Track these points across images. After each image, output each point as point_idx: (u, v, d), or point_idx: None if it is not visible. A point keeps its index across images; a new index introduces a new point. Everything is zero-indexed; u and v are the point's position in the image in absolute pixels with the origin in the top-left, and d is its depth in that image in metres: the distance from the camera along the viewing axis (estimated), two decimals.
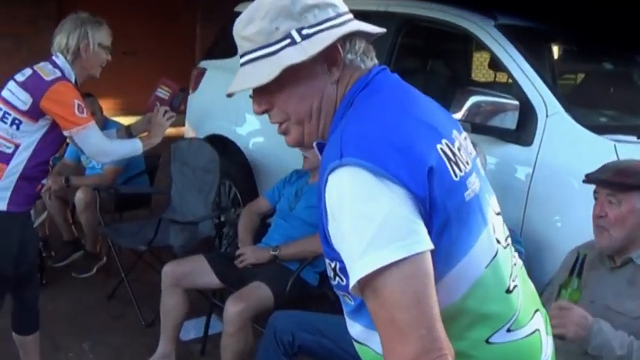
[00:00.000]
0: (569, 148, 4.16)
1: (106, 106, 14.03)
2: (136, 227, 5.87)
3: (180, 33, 14.47)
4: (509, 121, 4.23)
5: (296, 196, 4.73)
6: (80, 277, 6.25)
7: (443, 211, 1.65)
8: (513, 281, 1.86)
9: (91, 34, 3.93)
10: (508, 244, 1.94)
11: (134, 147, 4.21)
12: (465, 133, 1.94)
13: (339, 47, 1.83)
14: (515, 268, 1.93)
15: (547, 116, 4.26)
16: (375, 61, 1.91)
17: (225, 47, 6.87)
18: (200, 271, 4.57)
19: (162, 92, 4.52)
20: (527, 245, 3.91)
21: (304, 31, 1.80)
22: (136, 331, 5.31)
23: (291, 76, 1.79)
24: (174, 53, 13.68)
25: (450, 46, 6.04)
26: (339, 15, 1.85)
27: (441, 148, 1.70)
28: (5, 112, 3.76)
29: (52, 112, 3.74)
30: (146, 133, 4.49)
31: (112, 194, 6.13)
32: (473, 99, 4.26)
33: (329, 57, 1.81)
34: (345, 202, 1.61)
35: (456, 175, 1.71)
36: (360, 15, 5.28)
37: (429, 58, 6.25)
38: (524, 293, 1.93)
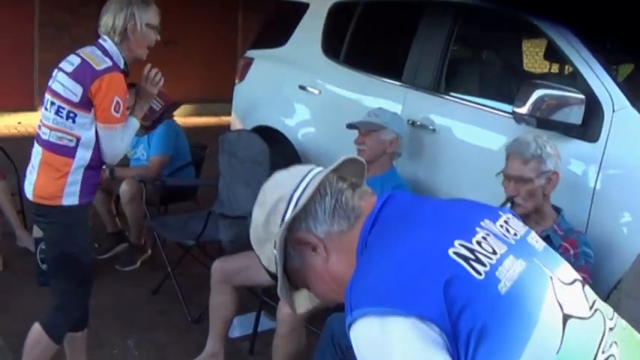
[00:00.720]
0: (637, 145, 4.02)
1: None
2: (183, 221, 5.81)
3: (222, 22, 14.44)
4: (574, 115, 4.09)
5: None
6: (124, 271, 6.22)
7: (473, 318, 1.57)
8: (604, 352, 1.71)
9: (137, 14, 3.80)
10: (596, 310, 1.80)
11: (135, 128, 4.01)
12: (505, 215, 1.89)
13: (302, 235, 1.90)
14: (612, 334, 1.77)
15: (614, 111, 4.13)
16: (367, 196, 1.94)
17: (272, 36, 6.83)
18: (251, 268, 4.46)
19: (155, 103, 4.34)
20: (594, 246, 3.78)
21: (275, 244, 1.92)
22: (182, 327, 5.26)
23: (293, 273, 1.98)
24: (216, 42, 13.66)
25: (503, 35, 5.91)
26: (290, 199, 1.93)
27: (455, 252, 1.65)
28: (59, 106, 3.71)
29: (94, 102, 3.69)
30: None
31: (158, 186, 6.07)
32: (537, 92, 4.13)
33: (301, 246, 1.92)
34: None
35: (479, 273, 1.63)
36: (412, 4, 5.20)
37: (484, 47, 6.13)
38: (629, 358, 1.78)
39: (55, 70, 3.83)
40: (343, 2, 6.24)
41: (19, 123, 12.88)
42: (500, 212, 1.89)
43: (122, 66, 3.80)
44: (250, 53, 7.10)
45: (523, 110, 4.13)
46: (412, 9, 5.52)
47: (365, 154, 4.58)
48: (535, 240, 1.86)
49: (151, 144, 6.35)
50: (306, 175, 1.95)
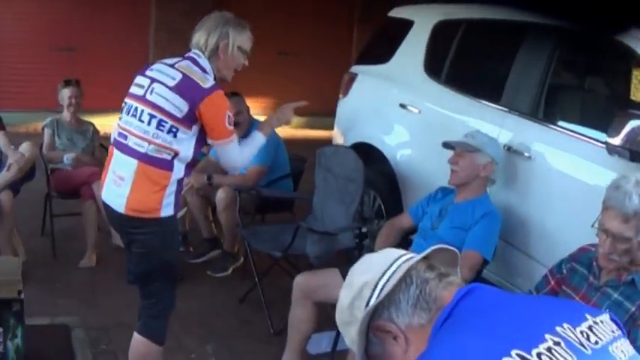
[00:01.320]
0: None
1: (259, 105, 14.32)
2: (275, 231, 5.86)
3: (337, 35, 14.52)
4: None
5: (440, 215, 4.58)
6: (215, 276, 6.31)
7: None
8: None
9: (232, 35, 3.88)
10: None
11: (259, 144, 4.18)
12: (593, 319, 1.78)
13: (384, 323, 1.87)
14: None
15: None
16: (452, 286, 1.87)
17: (377, 53, 6.82)
18: (333, 286, 4.42)
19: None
20: None
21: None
22: (263, 338, 5.31)
23: (373, 358, 1.94)
24: (329, 55, 13.72)
25: (608, 62, 5.73)
26: (375, 286, 1.90)
27: None
28: (161, 120, 3.70)
29: (204, 120, 3.73)
30: None
31: (254, 196, 6.12)
32: (632, 123, 3.96)
33: (382, 334, 1.89)
34: None
35: None
36: (514, 26, 5.09)
37: (587, 74, 5.96)
38: None
39: (146, 79, 3.85)
40: (447, 21, 6.20)
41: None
42: (587, 315, 1.79)
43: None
44: (355, 68, 7.12)
45: (616, 141, 3.99)
46: (514, 30, 5.44)
47: (457, 175, 4.54)
48: (621, 349, 1.75)
49: None
50: (395, 261, 1.91)
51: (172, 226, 3.89)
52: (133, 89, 3.90)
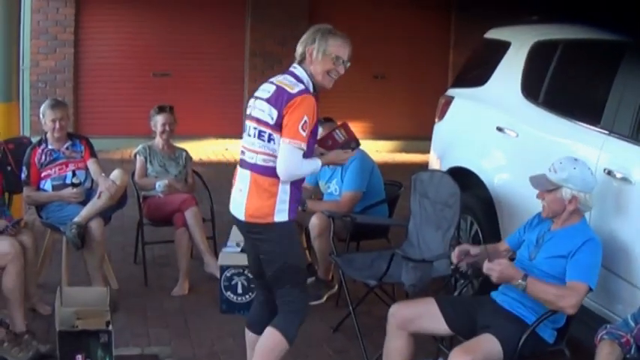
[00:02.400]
0: None
1: (355, 129, 14.23)
2: (369, 259, 5.82)
3: (433, 58, 14.42)
4: None
5: (537, 244, 4.43)
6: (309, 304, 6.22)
7: None
8: None
9: (318, 40, 4.24)
10: None
11: (316, 168, 4.37)
12: None
13: None
14: None
15: None
16: None
17: (473, 75, 6.73)
18: (429, 316, 4.41)
19: (339, 135, 4.53)
20: None
21: None
22: None
23: None
24: (425, 78, 13.67)
25: None
26: None
27: None
28: (260, 131, 4.21)
29: (283, 120, 4.14)
30: None
31: (347, 222, 6.05)
32: None
33: None
34: None
35: None
36: (613, 46, 4.88)
37: None
38: None
39: (252, 99, 4.33)
40: (544, 41, 6.08)
41: (226, 149, 13.34)
42: None
43: (311, 89, 4.26)
44: (451, 92, 7.06)
45: None
46: (612, 50, 5.28)
47: (546, 209, 4.42)
48: None
49: (344, 179, 6.38)
50: None
51: (287, 230, 4.29)
52: (247, 110, 4.42)
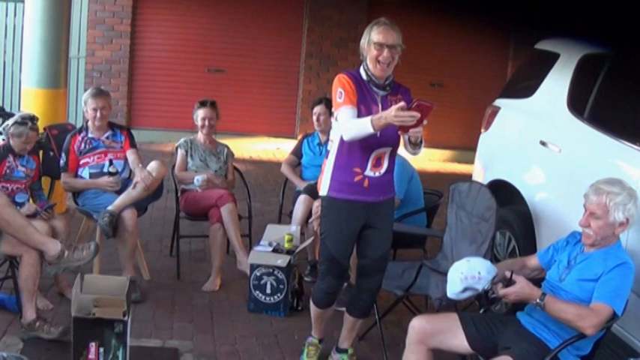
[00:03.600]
0: None
1: None
2: (401, 268, 5.73)
3: (491, 68, 14.23)
4: None
5: (568, 265, 4.27)
6: (338, 310, 6.12)
7: None
8: None
9: (367, 32, 4.71)
10: None
11: (362, 126, 4.50)
12: None
13: None
14: None
15: None
16: None
17: (521, 86, 6.59)
18: (450, 332, 4.30)
19: (426, 102, 4.34)
20: None
21: None
22: None
23: None
24: (482, 89, 13.44)
25: None
26: None
27: None
28: None
29: None
30: None
31: None
32: None
33: None
34: None
35: None
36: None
37: None
38: None
39: None
40: (593, 54, 5.91)
41: (277, 149, 13.31)
42: None
43: (357, 76, 4.74)
44: (498, 102, 6.93)
45: None
46: None
47: (590, 238, 4.20)
48: None
49: None
50: None
51: (331, 205, 4.82)
52: None
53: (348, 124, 4.57)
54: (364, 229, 4.86)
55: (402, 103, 4.29)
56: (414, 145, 4.62)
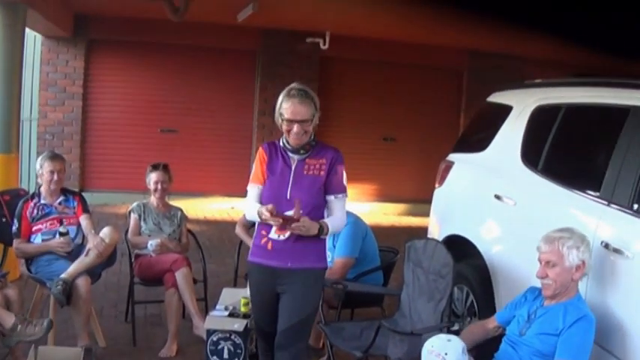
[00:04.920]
0: None
1: (363, 191, 14.21)
2: (359, 329, 5.64)
3: (442, 123, 14.39)
4: None
5: (528, 319, 4.27)
6: None
7: None
8: None
9: (279, 101, 4.67)
10: None
11: (255, 215, 4.67)
12: None
13: None
14: None
15: None
16: None
17: (474, 140, 6.59)
18: None
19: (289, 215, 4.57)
20: None
21: None
22: None
23: None
24: (435, 142, 13.58)
25: None
26: None
27: None
28: None
29: None
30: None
31: (340, 290, 5.87)
32: None
33: None
34: None
35: None
36: (617, 110, 4.66)
37: None
38: None
39: None
40: (545, 106, 5.88)
41: (232, 208, 13.27)
42: None
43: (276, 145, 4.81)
44: (451, 157, 6.91)
45: None
46: (613, 115, 5.05)
47: (550, 288, 4.23)
48: None
49: (335, 245, 6.22)
50: None
51: (248, 268, 4.98)
52: None
53: (247, 204, 4.78)
54: (278, 297, 4.75)
55: (270, 207, 4.47)
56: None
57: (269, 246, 4.67)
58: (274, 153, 4.77)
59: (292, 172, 4.70)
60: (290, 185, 4.68)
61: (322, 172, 4.72)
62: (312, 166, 4.72)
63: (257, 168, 4.76)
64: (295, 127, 4.58)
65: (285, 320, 4.67)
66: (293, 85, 4.68)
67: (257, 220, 4.65)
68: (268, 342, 4.81)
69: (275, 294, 4.72)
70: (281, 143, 4.77)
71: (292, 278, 4.65)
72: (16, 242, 6.37)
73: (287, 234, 4.61)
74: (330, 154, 4.78)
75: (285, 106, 4.58)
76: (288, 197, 4.63)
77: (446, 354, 4.12)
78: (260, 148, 4.84)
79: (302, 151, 4.71)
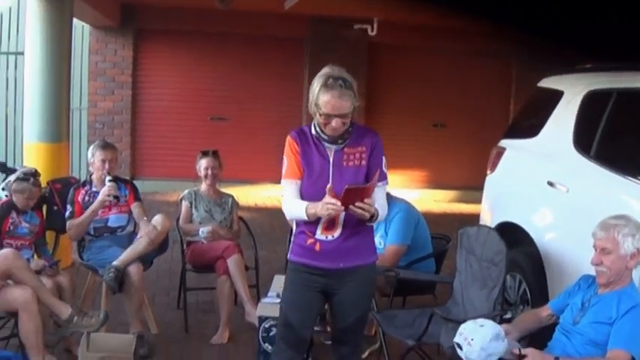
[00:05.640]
0: None
1: (413, 178, 14.17)
2: (411, 316, 5.63)
3: (493, 107, 14.24)
4: None
5: (582, 308, 4.22)
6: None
7: None
8: None
9: (314, 88, 4.15)
10: None
11: (301, 214, 4.19)
12: None
13: None
14: None
15: None
16: None
17: (526, 126, 6.53)
18: None
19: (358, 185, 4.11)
20: None
21: None
22: None
23: None
24: (485, 128, 13.47)
25: None
26: None
27: None
28: None
29: None
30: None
31: (391, 277, 5.87)
32: None
33: None
34: None
35: None
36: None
37: None
38: None
39: None
40: (598, 91, 5.83)
41: (282, 195, 13.24)
42: None
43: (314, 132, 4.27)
44: (503, 142, 6.87)
45: None
46: None
47: (604, 276, 4.18)
48: None
49: (388, 232, 6.21)
50: None
51: (290, 268, 4.46)
52: None
53: (288, 204, 4.28)
54: (330, 296, 4.39)
55: (329, 186, 4.01)
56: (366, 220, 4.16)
57: (317, 247, 4.27)
58: (305, 142, 4.25)
59: (331, 165, 4.23)
60: (331, 181, 4.18)
61: (363, 162, 4.26)
62: (351, 155, 4.25)
63: (291, 161, 4.24)
64: (334, 122, 4.07)
65: (342, 318, 4.41)
66: (328, 71, 4.15)
67: (303, 219, 4.17)
68: (297, 348, 4.46)
69: (322, 294, 4.38)
70: (313, 131, 4.26)
71: (346, 278, 4.31)
72: (69, 223, 6.41)
73: (336, 233, 4.23)
74: (368, 139, 4.30)
75: (324, 99, 4.05)
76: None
77: (472, 339, 4.10)
78: (289, 138, 4.28)
79: (340, 141, 4.23)
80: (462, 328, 4.22)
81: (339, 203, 3.93)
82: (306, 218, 4.12)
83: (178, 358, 6.09)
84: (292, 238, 4.44)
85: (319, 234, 4.24)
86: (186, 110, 13.72)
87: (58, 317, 5.38)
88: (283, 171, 4.27)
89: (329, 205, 3.94)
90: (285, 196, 4.28)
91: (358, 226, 4.24)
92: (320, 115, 4.07)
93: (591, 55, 7.13)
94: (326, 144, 4.22)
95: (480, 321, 4.26)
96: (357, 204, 3.96)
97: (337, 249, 4.25)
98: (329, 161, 4.22)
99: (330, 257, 4.26)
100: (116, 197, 6.34)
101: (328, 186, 4.00)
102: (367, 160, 4.25)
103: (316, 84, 4.10)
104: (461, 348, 4.16)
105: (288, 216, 4.34)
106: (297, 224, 4.33)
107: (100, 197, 6.32)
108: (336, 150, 4.23)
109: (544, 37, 12.51)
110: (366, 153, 4.26)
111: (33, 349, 5.21)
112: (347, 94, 4.04)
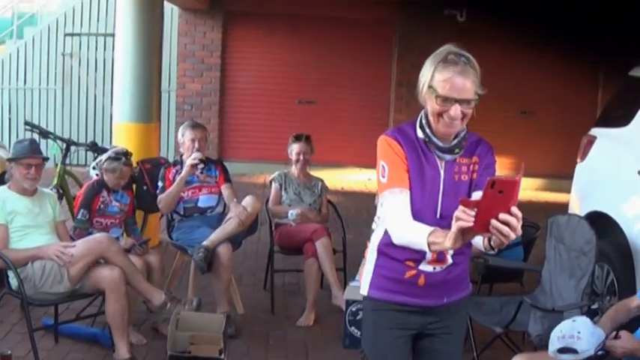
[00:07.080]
0: None
1: (501, 165, 13.96)
2: (499, 304, 5.67)
3: (581, 95, 14.05)
4: None
5: None
6: None
7: None
8: None
9: (428, 66, 3.27)
10: None
11: (420, 244, 3.06)
12: None
13: None
14: None
15: None
16: None
17: (616, 114, 6.47)
18: None
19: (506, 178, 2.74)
20: None
21: None
22: None
23: None
24: (573, 116, 13.32)
25: None
26: None
27: None
28: None
29: None
30: None
31: (480, 264, 5.89)
32: None
33: None
34: None
35: None
36: None
37: None
38: None
39: None
40: None
41: (368, 180, 13.34)
42: None
43: (420, 135, 3.32)
44: (594, 131, 6.85)
45: None
46: None
47: None
48: None
49: None
50: None
51: (372, 308, 3.48)
52: None
53: (398, 227, 3.20)
54: (420, 338, 3.48)
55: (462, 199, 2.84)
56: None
57: (420, 281, 3.31)
58: (411, 147, 3.28)
59: (442, 180, 3.29)
60: (440, 198, 3.29)
61: (475, 175, 3.33)
62: (463, 167, 3.33)
63: (397, 164, 3.24)
64: (453, 110, 3.14)
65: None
66: (448, 47, 3.26)
67: (419, 248, 3.07)
68: None
69: (414, 335, 3.47)
70: (420, 134, 3.30)
71: (446, 314, 3.44)
72: (159, 198, 6.54)
73: (446, 263, 3.31)
74: (480, 148, 3.37)
75: (440, 78, 3.14)
76: (438, 216, 3.25)
77: (579, 332, 4.11)
78: (388, 139, 3.30)
79: (457, 150, 3.29)
80: (559, 331, 4.17)
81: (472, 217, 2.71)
82: (425, 249, 3.04)
83: (264, 339, 6.20)
84: (367, 266, 3.48)
85: (425, 264, 3.30)
86: (274, 93, 13.85)
87: (151, 302, 5.51)
88: (383, 179, 3.24)
89: (463, 218, 2.74)
90: (390, 211, 3.24)
91: (464, 251, 3.33)
92: (435, 98, 3.14)
93: None
94: (437, 152, 3.29)
95: (567, 321, 4.28)
96: (501, 217, 2.64)
97: (443, 281, 3.37)
98: (439, 174, 3.30)
99: (435, 292, 3.38)
100: (202, 161, 6.46)
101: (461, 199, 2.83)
102: (478, 173, 3.32)
103: (430, 63, 3.21)
104: (568, 351, 4.14)
105: (397, 239, 3.21)
106: (381, 250, 3.41)
107: (188, 162, 6.43)
108: (448, 161, 3.31)
109: None
110: (479, 165, 3.34)
111: (118, 329, 5.30)
112: (472, 74, 3.18)
